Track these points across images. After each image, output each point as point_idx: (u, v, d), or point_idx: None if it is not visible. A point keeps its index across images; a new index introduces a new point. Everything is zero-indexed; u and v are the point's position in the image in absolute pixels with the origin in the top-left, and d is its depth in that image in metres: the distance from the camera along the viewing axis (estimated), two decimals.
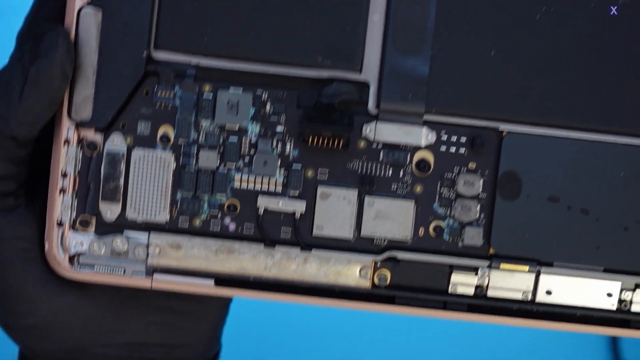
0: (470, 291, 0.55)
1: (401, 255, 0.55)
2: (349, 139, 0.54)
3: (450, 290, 0.55)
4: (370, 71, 0.54)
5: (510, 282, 0.55)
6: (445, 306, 0.55)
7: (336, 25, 0.53)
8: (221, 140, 0.54)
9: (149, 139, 0.54)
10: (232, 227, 0.55)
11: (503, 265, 0.55)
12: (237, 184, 0.54)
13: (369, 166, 0.54)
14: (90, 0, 0.53)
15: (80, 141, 0.54)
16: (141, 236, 0.55)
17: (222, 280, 0.55)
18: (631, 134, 0.54)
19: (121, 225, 0.55)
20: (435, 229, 0.55)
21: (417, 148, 0.54)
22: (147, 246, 0.55)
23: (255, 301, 0.56)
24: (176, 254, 0.55)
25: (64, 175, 0.54)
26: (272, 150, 0.54)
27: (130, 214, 0.54)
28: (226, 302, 0.58)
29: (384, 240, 0.55)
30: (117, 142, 0.54)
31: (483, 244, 0.55)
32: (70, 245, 0.55)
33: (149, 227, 0.55)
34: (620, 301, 0.55)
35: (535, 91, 0.53)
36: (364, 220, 0.54)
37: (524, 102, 0.53)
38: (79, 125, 0.54)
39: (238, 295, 0.55)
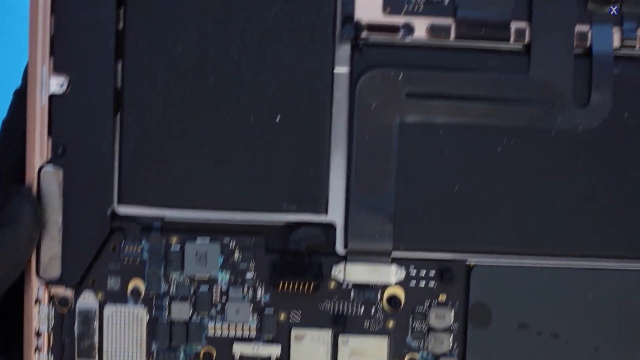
0: None
1: None
2: (319, 283, 0.54)
3: None
4: (335, 212, 0.54)
5: None
6: None
7: (299, 169, 0.53)
8: (192, 291, 0.54)
9: (119, 294, 0.54)
10: None
11: None
12: (211, 332, 0.55)
13: (341, 306, 0.55)
14: (51, 159, 0.53)
15: (51, 298, 0.54)
16: None
17: None
18: (594, 257, 0.54)
19: None
20: None
21: (387, 285, 0.55)
22: None
23: None
24: None
25: (38, 334, 0.54)
26: (243, 297, 0.54)
27: None
28: None
29: None
30: (88, 300, 0.54)
31: None
32: None
33: None
34: None
35: (500, 222, 0.54)
36: (340, 359, 0.55)
37: (490, 233, 0.54)
38: (48, 283, 0.54)
39: None
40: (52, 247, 0.54)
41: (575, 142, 0.54)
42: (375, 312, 0.55)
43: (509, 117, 0.53)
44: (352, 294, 0.55)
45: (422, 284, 0.55)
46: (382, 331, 0.55)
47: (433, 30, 0.53)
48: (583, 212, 0.54)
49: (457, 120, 0.53)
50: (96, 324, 0.54)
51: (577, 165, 0.54)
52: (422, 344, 0.55)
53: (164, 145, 0.53)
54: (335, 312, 0.55)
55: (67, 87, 0.53)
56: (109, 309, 0.54)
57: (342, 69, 0.54)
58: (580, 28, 0.54)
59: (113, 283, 0.54)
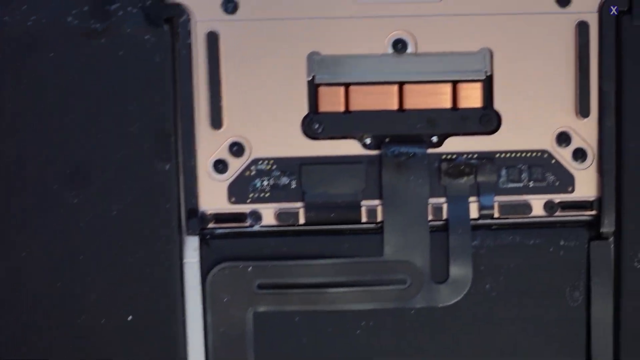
0: None
1: None
2: None
3: None
4: None
5: None
6: None
7: None
8: None
9: None
10: None
11: None
12: None
13: None
14: None
15: None
16: None
17: None
18: None
19: None
20: None
21: None
22: None
23: None
24: None
25: None
26: None
27: None
28: None
29: None
30: None
31: None
32: None
33: None
34: None
35: None
36: None
37: None
38: None
39: None
40: None
41: (436, 319, 0.52)
42: None
43: (366, 300, 0.52)
44: None
45: None
46: None
47: (281, 216, 0.52)
48: None
49: (313, 307, 0.52)
50: None
51: (439, 342, 0.53)
52: None
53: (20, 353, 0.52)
54: None
55: None
56: None
57: (192, 259, 0.52)
58: (434, 201, 0.52)
59: None
